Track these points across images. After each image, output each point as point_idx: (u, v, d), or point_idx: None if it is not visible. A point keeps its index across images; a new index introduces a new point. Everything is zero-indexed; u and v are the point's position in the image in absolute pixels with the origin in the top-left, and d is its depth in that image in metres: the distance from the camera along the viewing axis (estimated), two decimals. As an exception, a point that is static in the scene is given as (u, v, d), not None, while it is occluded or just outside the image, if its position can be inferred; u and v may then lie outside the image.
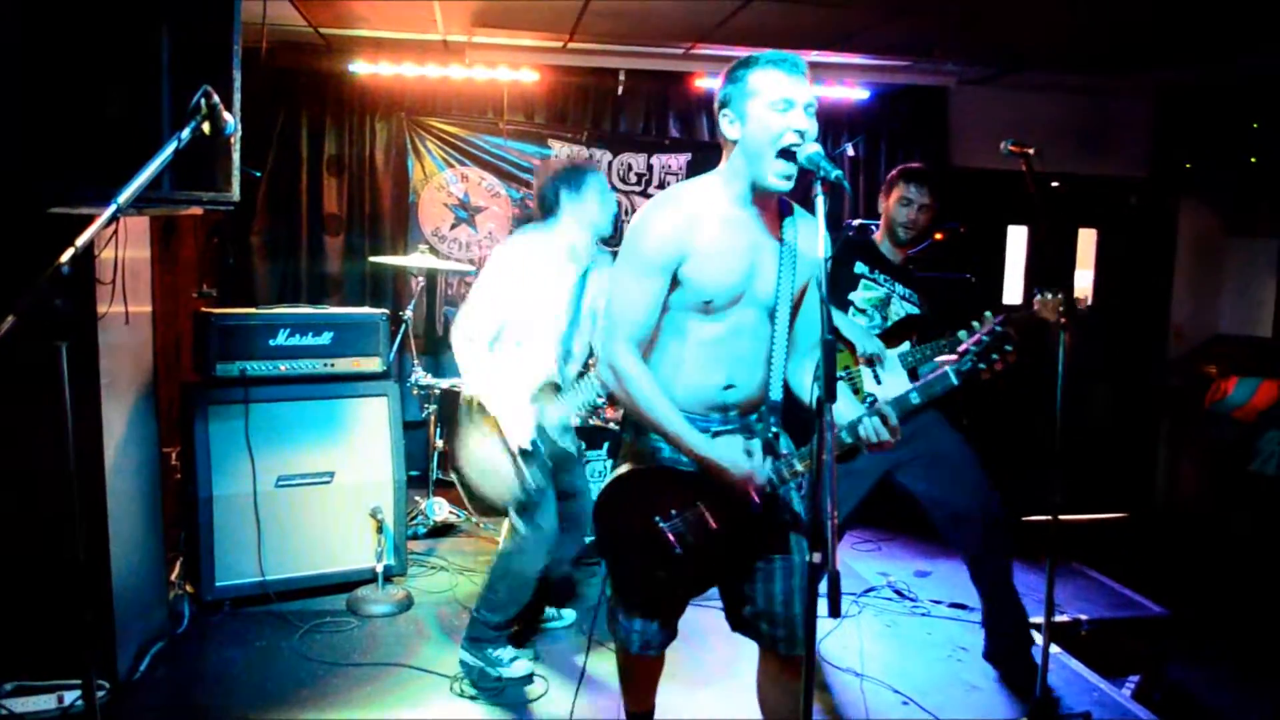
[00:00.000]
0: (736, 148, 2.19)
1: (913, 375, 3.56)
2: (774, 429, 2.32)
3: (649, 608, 2.42)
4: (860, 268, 3.67)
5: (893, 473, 3.59)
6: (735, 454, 2.18)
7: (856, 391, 3.56)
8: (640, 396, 2.20)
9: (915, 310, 3.66)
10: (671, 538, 2.27)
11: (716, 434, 2.27)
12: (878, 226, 3.82)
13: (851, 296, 3.66)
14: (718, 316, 2.24)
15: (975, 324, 2.23)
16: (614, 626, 2.50)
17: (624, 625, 2.45)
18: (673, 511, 2.27)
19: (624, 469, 2.35)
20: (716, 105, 2.23)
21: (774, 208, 2.28)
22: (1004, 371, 2.22)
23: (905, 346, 3.61)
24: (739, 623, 2.42)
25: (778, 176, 2.11)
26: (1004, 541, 3.55)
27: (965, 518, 3.54)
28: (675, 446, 2.22)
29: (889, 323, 3.65)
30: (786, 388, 2.35)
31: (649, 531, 2.28)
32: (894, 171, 3.70)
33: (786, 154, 2.09)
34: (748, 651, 3.64)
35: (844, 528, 3.82)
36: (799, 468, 2.22)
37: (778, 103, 2.09)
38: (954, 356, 2.28)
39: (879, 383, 3.57)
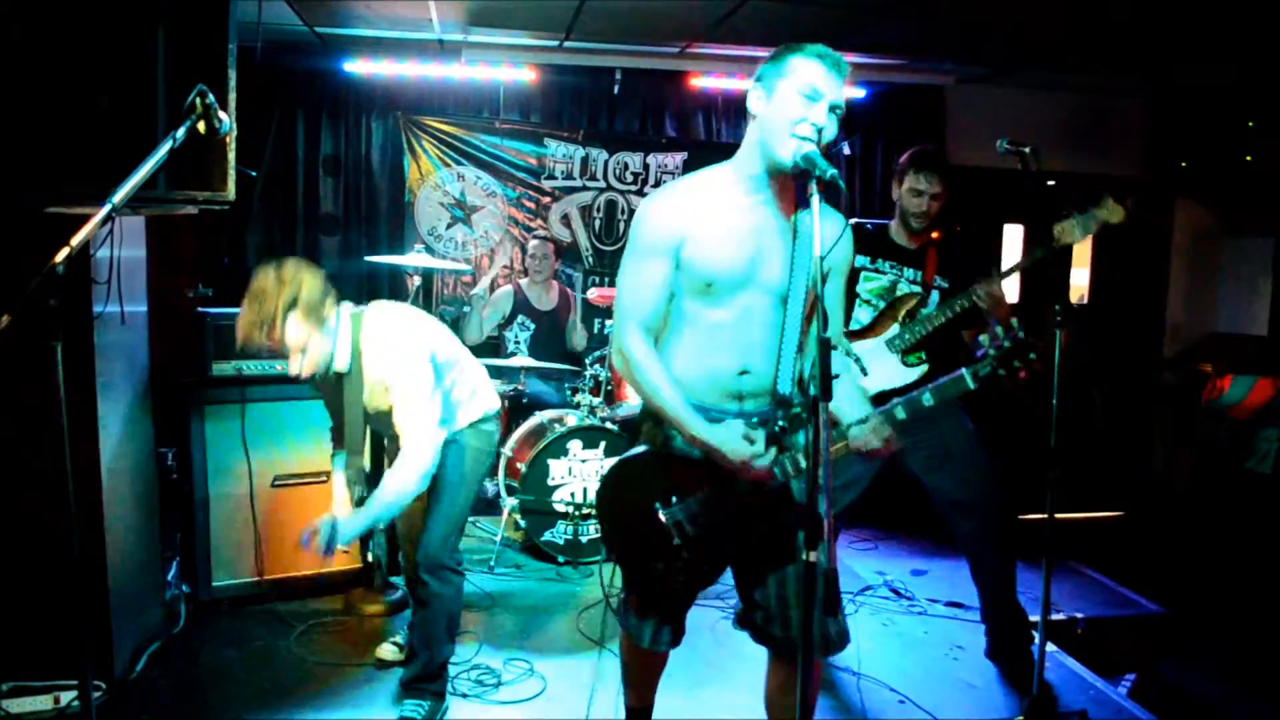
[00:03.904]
0: (756, 123, 2.19)
1: (905, 358, 3.53)
2: (780, 422, 2.30)
3: (656, 604, 2.42)
4: (860, 260, 3.60)
5: (903, 457, 3.57)
6: (734, 439, 2.16)
7: None
8: (645, 380, 2.22)
9: (917, 291, 3.58)
10: (670, 527, 2.26)
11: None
12: (874, 226, 3.79)
13: (856, 289, 3.62)
14: (723, 301, 2.23)
15: (999, 329, 2.15)
16: (625, 621, 2.50)
17: (635, 623, 2.45)
18: (673, 499, 2.27)
19: (630, 452, 2.35)
20: (755, 76, 2.22)
21: (792, 198, 2.25)
22: (1028, 381, 2.13)
23: (894, 329, 3.55)
24: (755, 631, 2.41)
25: (789, 153, 2.09)
26: (1006, 541, 3.57)
27: (968, 512, 3.56)
28: (677, 429, 2.21)
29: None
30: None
31: (647, 519, 2.27)
32: (904, 157, 3.61)
33: (797, 140, 2.08)
34: (747, 651, 3.64)
35: (852, 513, 3.80)
36: (804, 463, 2.21)
37: (806, 89, 2.10)
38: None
39: (865, 374, 3.50)
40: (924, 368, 3.52)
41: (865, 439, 2.17)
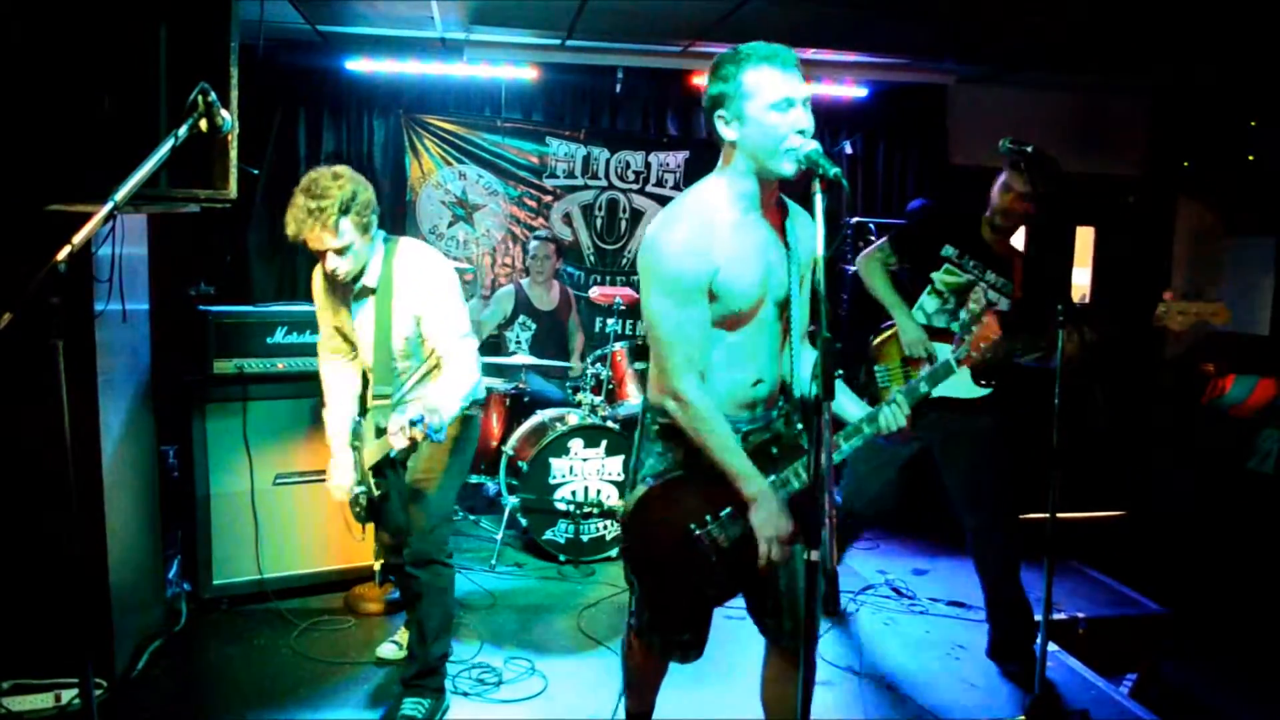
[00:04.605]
0: (736, 150, 2.15)
1: (975, 374, 3.39)
2: (798, 425, 2.31)
3: (687, 622, 2.41)
4: (948, 250, 3.58)
5: (933, 449, 3.66)
6: (785, 513, 2.17)
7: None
8: (706, 429, 2.16)
9: (1001, 303, 3.53)
10: (706, 544, 2.24)
11: (745, 434, 2.26)
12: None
13: (933, 275, 3.60)
14: (744, 321, 2.23)
15: (964, 315, 2.34)
16: (649, 642, 2.46)
17: (660, 643, 2.43)
18: (707, 518, 2.25)
19: (646, 485, 2.30)
20: (707, 103, 2.17)
21: (775, 205, 2.27)
22: (994, 356, 2.37)
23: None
24: (761, 621, 2.43)
25: (790, 162, 2.07)
26: (1008, 540, 3.60)
27: (974, 507, 3.63)
28: (733, 481, 2.17)
29: (962, 311, 3.38)
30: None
31: (681, 541, 2.25)
32: (1010, 153, 3.36)
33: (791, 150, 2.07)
34: (747, 651, 3.64)
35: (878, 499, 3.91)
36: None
37: (779, 104, 2.05)
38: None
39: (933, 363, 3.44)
40: (988, 390, 3.45)
41: (895, 419, 2.26)
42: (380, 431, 3.09)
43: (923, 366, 3.52)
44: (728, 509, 2.24)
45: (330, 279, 3.07)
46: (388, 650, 3.62)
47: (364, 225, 2.91)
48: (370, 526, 3.50)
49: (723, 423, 2.18)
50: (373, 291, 3.05)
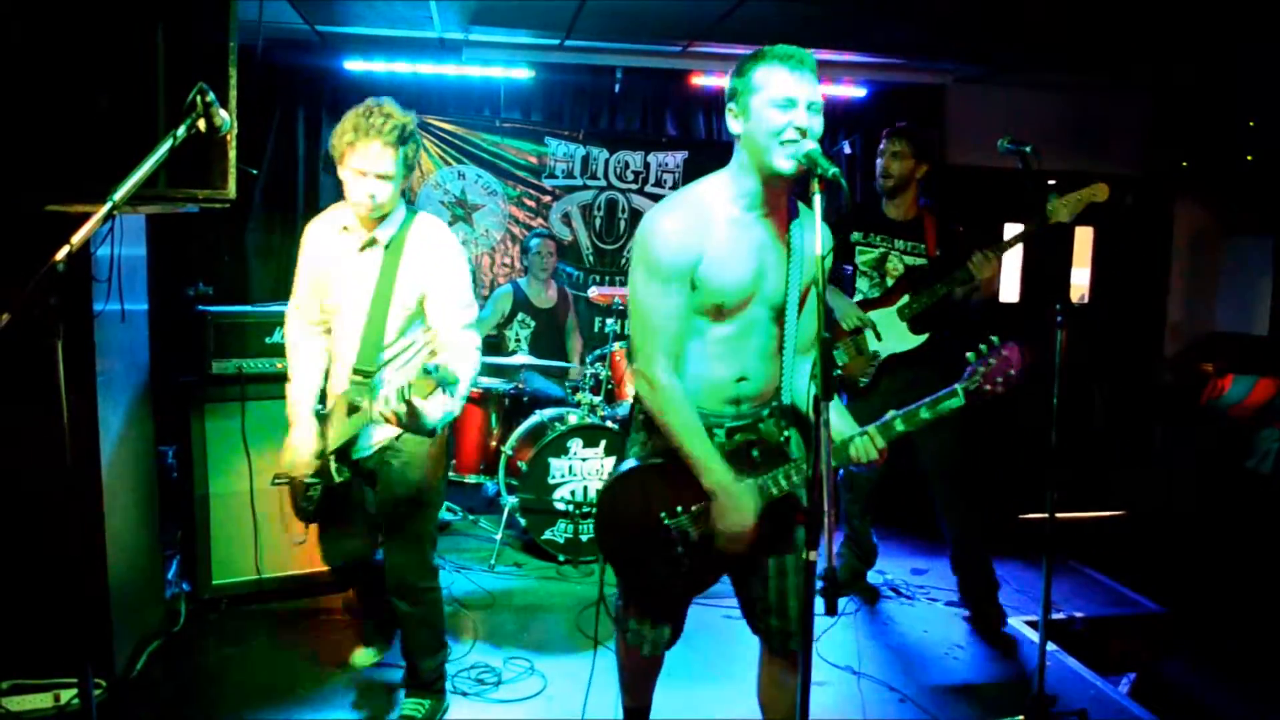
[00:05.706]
0: (740, 144, 2.20)
1: (912, 325, 3.93)
2: (785, 432, 2.32)
3: (656, 611, 2.43)
4: (855, 236, 4.10)
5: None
6: (749, 506, 2.18)
7: (861, 353, 3.97)
8: (671, 413, 2.20)
9: (916, 262, 3.98)
10: (674, 535, 2.27)
11: (730, 430, 2.28)
12: (867, 201, 4.10)
13: (856, 260, 4.08)
14: (728, 316, 2.24)
15: (982, 346, 2.28)
16: (622, 628, 2.50)
17: (634, 630, 2.45)
18: (678, 509, 2.27)
19: (626, 465, 2.35)
20: (726, 96, 2.23)
21: (784, 209, 2.27)
22: (1007, 393, 2.28)
23: (904, 299, 3.93)
24: (752, 622, 2.44)
25: (786, 159, 2.09)
26: (970, 500, 4.01)
27: (940, 479, 4.05)
28: (694, 470, 2.20)
29: (888, 279, 4.00)
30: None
31: (651, 528, 2.28)
32: None
33: (788, 145, 2.09)
34: (746, 651, 3.64)
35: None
36: (796, 478, 2.24)
37: (779, 100, 2.09)
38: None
39: (880, 339, 3.95)
40: (925, 336, 3.94)
41: (865, 450, 2.24)
42: (353, 409, 2.91)
43: (852, 336, 3.98)
44: (702, 503, 2.25)
45: (326, 243, 2.96)
46: (361, 656, 3.55)
47: (409, 165, 2.84)
48: (315, 531, 3.32)
49: (689, 410, 2.21)
50: (383, 248, 2.91)
